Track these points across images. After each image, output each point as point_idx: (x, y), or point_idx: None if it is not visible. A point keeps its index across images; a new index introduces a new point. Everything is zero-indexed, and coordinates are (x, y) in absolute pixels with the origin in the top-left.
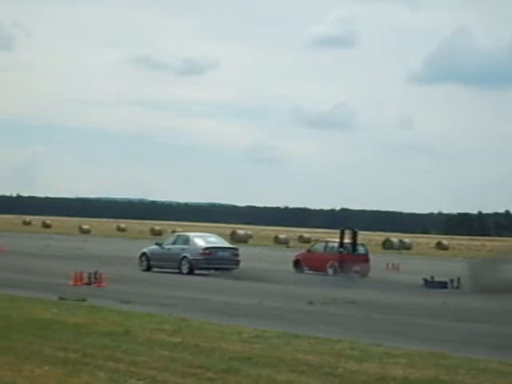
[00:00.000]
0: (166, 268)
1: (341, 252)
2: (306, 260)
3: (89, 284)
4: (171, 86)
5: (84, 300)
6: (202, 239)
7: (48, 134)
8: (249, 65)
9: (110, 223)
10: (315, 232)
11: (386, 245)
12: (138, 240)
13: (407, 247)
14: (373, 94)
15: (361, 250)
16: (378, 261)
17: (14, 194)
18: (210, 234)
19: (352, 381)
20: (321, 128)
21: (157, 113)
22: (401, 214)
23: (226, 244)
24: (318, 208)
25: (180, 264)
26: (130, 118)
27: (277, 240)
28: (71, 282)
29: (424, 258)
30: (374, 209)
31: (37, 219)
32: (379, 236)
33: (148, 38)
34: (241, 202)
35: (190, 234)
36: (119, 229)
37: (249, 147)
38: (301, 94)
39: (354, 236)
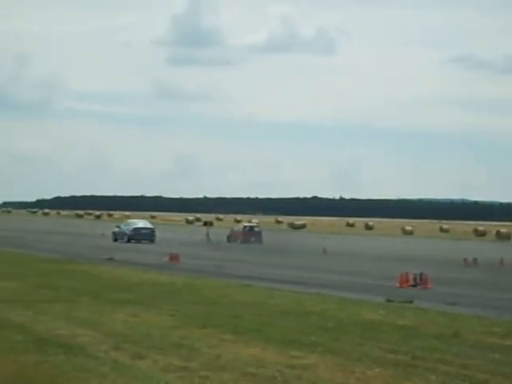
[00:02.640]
0: (120, 240)
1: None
2: (231, 235)
3: (414, 286)
4: (492, 84)
5: (411, 302)
6: (135, 223)
7: (369, 137)
8: None
9: (432, 224)
10: None
11: None
12: (461, 241)
13: None
14: None
15: (256, 229)
16: None
17: (337, 197)
18: (141, 220)
19: None
20: None
21: (477, 112)
22: None
23: (148, 226)
24: None
25: (122, 237)
26: (450, 117)
27: None
28: (397, 284)
29: None
30: None
31: (360, 221)
32: None
33: (468, 36)
34: None
35: (130, 220)
36: (442, 230)
37: None
38: None
39: None
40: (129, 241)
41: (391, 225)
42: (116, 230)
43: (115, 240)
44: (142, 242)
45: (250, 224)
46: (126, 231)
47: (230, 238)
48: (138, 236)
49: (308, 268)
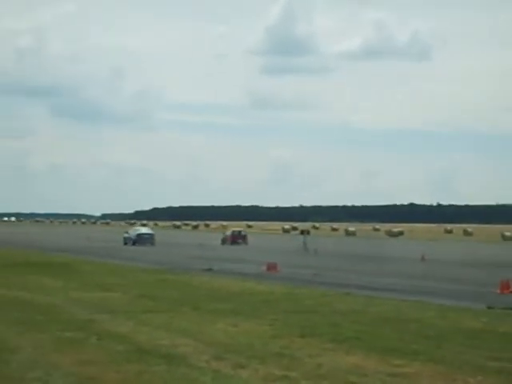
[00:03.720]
0: (128, 244)
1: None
2: (224, 239)
3: None
4: None
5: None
6: (138, 230)
7: (467, 142)
8: None
9: None
10: None
11: None
12: None
13: None
14: None
15: (242, 233)
16: None
17: (434, 203)
18: (144, 228)
19: None
20: None
21: None
22: None
23: (149, 232)
24: None
25: (129, 241)
26: None
27: None
28: (498, 291)
29: None
30: None
31: (458, 227)
32: None
33: None
34: None
35: (136, 227)
36: None
37: None
38: None
39: None
40: (134, 244)
41: (490, 231)
42: (125, 235)
43: (125, 244)
44: (146, 245)
45: (238, 229)
46: (132, 236)
47: (223, 241)
48: (140, 240)
49: (406, 275)
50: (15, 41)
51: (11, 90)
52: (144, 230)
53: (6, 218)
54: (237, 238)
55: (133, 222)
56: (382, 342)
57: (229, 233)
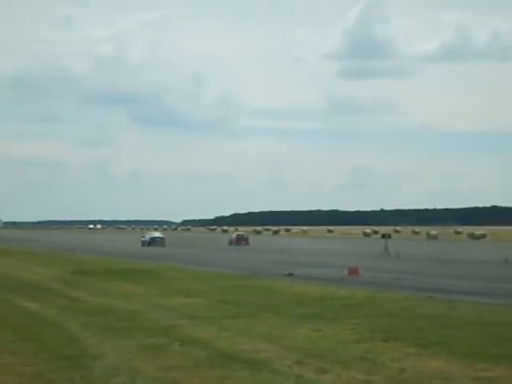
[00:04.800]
0: (144, 245)
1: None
2: (230, 241)
3: None
4: None
5: None
6: (152, 233)
7: None
8: None
9: None
10: None
11: None
12: None
13: None
14: None
15: (245, 236)
16: None
17: None
18: (156, 231)
19: None
20: None
21: None
22: None
23: (160, 235)
24: None
25: (145, 243)
26: None
27: None
28: None
29: None
30: None
31: None
32: None
33: None
34: None
35: (150, 232)
36: None
37: None
38: None
39: None
40: (149, 245)
41: None
42: (142, 239)
43: (142, 245)
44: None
45: (241, 233)
46: (147, 239)
47: (230, 243)
48: (153, 243)
49: (489, 279)
50: (96, 49)
51: (92, 97)
52: (156, 234)
53: (91, 226)
54: (240, 241)
55: (213, 227)
56: (465, 345)
57: (234, 236)
